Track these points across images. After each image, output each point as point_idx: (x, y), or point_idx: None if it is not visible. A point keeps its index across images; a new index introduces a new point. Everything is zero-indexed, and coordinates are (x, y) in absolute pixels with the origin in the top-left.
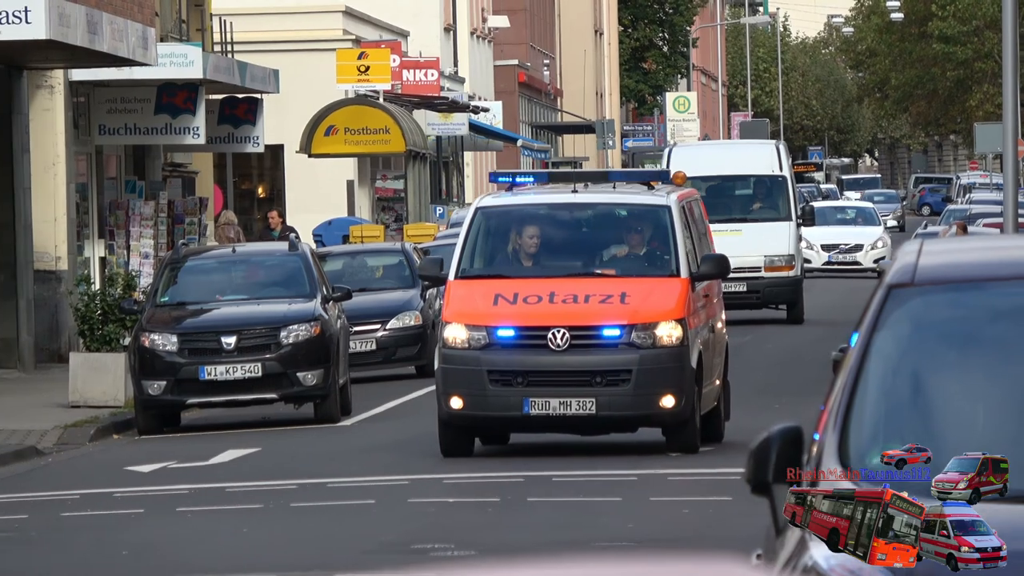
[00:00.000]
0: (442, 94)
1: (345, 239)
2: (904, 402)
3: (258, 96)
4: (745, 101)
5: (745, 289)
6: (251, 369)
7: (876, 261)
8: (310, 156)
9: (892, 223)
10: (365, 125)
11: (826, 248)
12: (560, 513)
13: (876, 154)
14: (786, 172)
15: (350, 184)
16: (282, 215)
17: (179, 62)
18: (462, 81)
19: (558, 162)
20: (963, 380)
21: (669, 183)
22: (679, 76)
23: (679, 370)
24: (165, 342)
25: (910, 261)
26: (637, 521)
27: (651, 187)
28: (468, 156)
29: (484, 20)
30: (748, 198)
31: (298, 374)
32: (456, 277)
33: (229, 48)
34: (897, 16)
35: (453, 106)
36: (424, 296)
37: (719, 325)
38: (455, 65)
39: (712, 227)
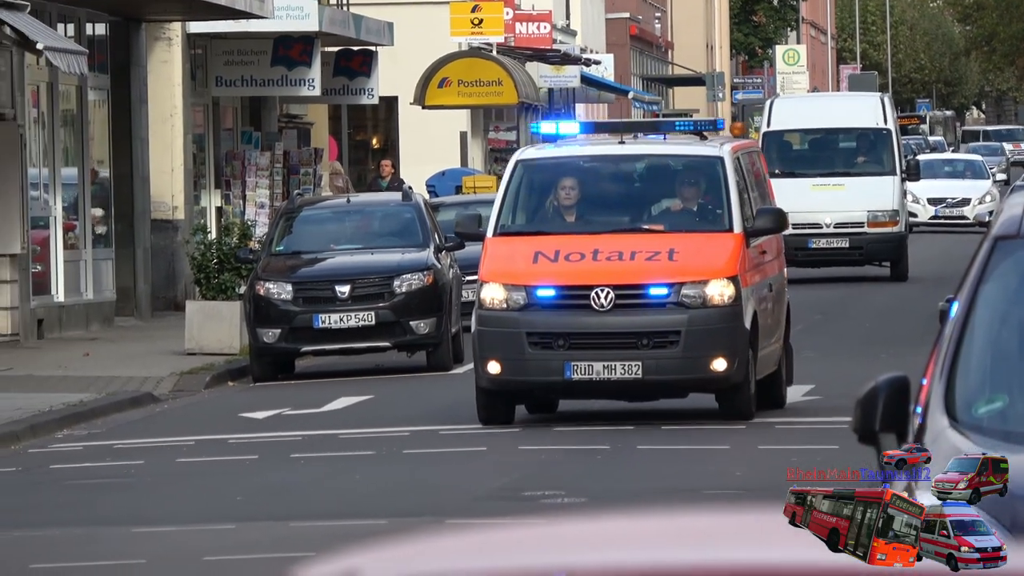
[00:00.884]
0: (554, 47)
1: (458, 189)
2: (1010, 352)
3: (373, 48)
4: (854, 54)
5: (847, 245)
6: (364, 317)
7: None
8: (424, 108)
9: (1001, 176)
10: (478, 77)
11: (932, 202)
12: (668, 461)
13: (983, 107)
14: (891, 125)
15: (463, 135)
16: (394, 166)
17: (295, 15)
18: (574, 34)
19: (669, 114)
20: None
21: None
22: (789, 29)
23: (731, 331)
24: (280, 291)
25: (1016, 213)
26: (745, 469)
27: (704, 137)
28: (580, 108)
29: None
30: (851, 151)
31: (411, 322)
32: (495, 234)
33: (345, 1)
34: None
35: (565, 59)
36: None
37: (779, 284)
38: (567, 18)
39: (814, 181)
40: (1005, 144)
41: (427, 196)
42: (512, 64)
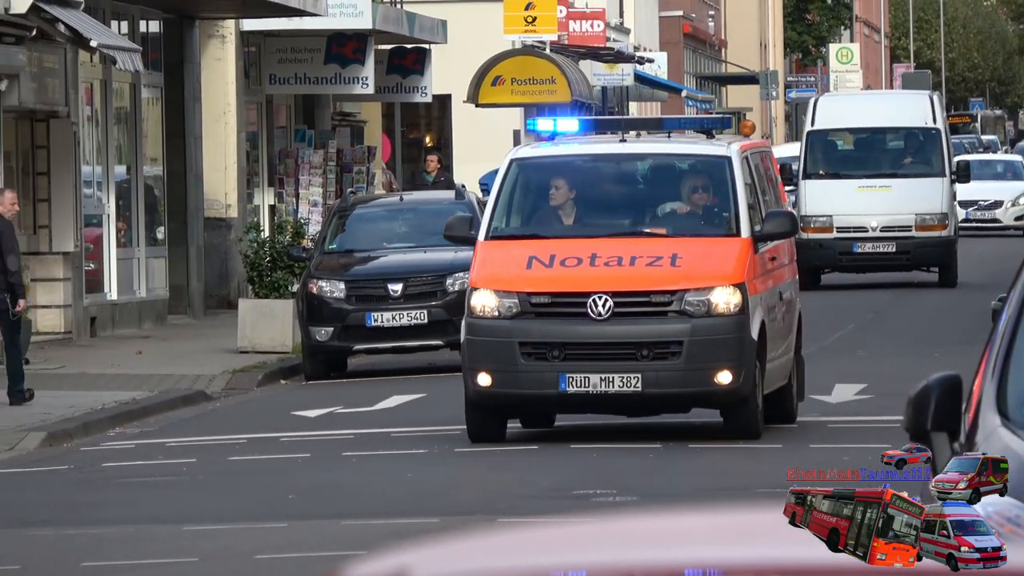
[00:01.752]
0: (608, 45)
1: None
2: None
3: (426, 46)
4: (907, 52)
5: (894, 249)
6: (417, 316)
7: (1018, 219)
8: (477, 106)
9: None
10: (531, 75)
11: (963, 205)
12: (721, 459)
13: None
14: (940, 124)
15: (516, 133)
16: (441, 161)
17: (349, 12)
18: (628, 32)
19: (721, 112)
20: None
21: (731, 131)
22: (842, 27)
23: (737, 342)
24: (333, 289)
25: None
26: (796, 467)
27: (711, 136)
28: (633, 107)
29: None
30: (899, 152)
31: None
32: (487, 237)
33: None
34: None
35: (619, 57)
36: None
37: (790, 292)
38: (621, 16)
39: (860, 183)
40: None
41: (480, 194)
42: (565, 62)
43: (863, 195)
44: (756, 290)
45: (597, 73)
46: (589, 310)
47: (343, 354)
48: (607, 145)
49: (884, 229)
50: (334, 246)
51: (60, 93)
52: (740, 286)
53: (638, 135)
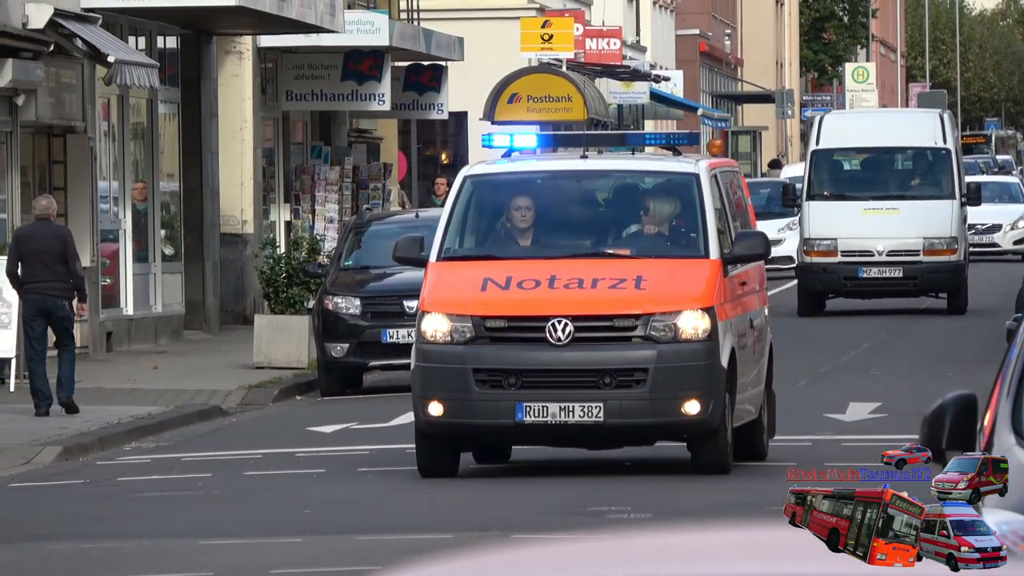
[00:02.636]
0: (624, 63)
1: None
2: None
3: (443, 63)
4: (923, 72)
5: (901, 275)
6: None
7: (1017, 243)
8: (493, 123)
9: None
10: (548, 93)
11: None
12: (733, 476)
13: None
14: (950, 145)
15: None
16: (449, 183)
17: (366, 29)
18: (644, 50)
19: (737, 131)
20: None
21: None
22: (858, 47)
23: (706, 369)
24: (348, 305)
25: None
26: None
27: (677, 153)
28: (649, 124)
29: None
30: (907, 173)
31: None
32: (439, 258)
33: (415, 16)
34: None
35: (635, 75)
36: None
37: (760, 320)
38: (637, 34)
39: (865, 205)
40: None
41: None
42: (582, 80)
43: (869, 218)
44: (726, 315)
45: (613, 91)
46: (548, 335)
47: (359, 370)
48: (567, 161)
49: (891, 253)
50: (350, 262)
51: (77, 108)
52: (709, 310)
53: (600, 152)
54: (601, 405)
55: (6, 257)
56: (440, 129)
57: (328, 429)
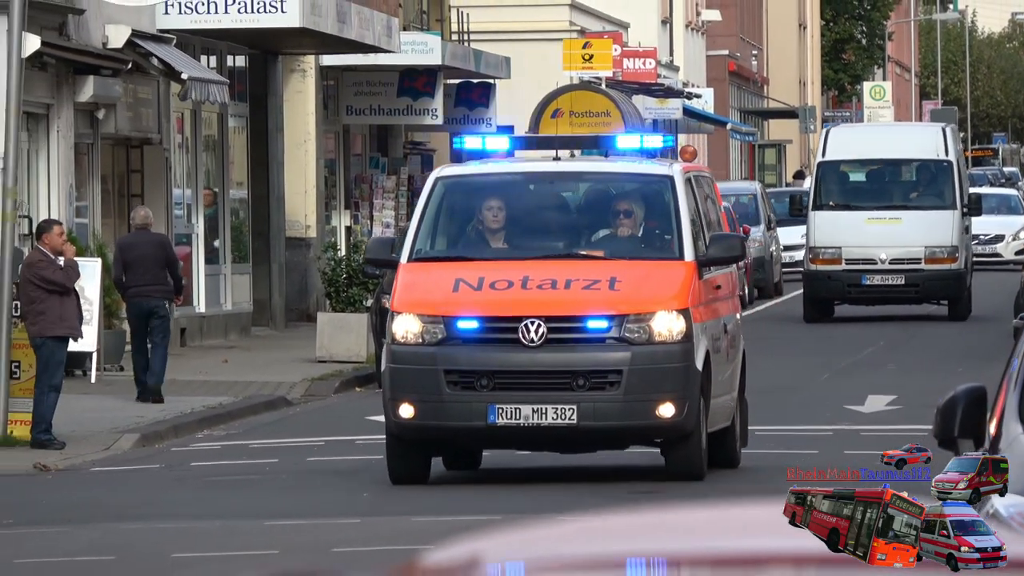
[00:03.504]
0: (658, 81)
1: None
2: None
3: (491, 81)
4: (936, 90)
5: (903, 282)
6: None
7: (1019, 253)
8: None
9: None
10: (588, 108)
11: None
12: (761, 464)
13: None
14: (952, 157)
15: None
16: None
17: (420, 49)
18: (677, 69)
19: (764, 144)
20: None
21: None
22: (875, 67)
23: (681, 371)
24: None
25: None
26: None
27: (651, 156)
28: (682, 138)
29: (698, 14)
30: (910, 184)
31: None
32: (410, 259)
33: (465, 37)
34: None
35: (668, 92)
36: None
37: (734, 326)
38: (671, 54)
39: (869, 214)
40: None
41: None
42: (619, 96)
43: (873, 227)
44: (701, 318)
45: (649, 107)
46: (521, 336)
47: None
48: (539, 164)
49: (893, 261)
50: None
51: (153, 121)
52: (684, 312)
53: (572, 154)
54: (575, 407)
55: (111, 265)
56: None
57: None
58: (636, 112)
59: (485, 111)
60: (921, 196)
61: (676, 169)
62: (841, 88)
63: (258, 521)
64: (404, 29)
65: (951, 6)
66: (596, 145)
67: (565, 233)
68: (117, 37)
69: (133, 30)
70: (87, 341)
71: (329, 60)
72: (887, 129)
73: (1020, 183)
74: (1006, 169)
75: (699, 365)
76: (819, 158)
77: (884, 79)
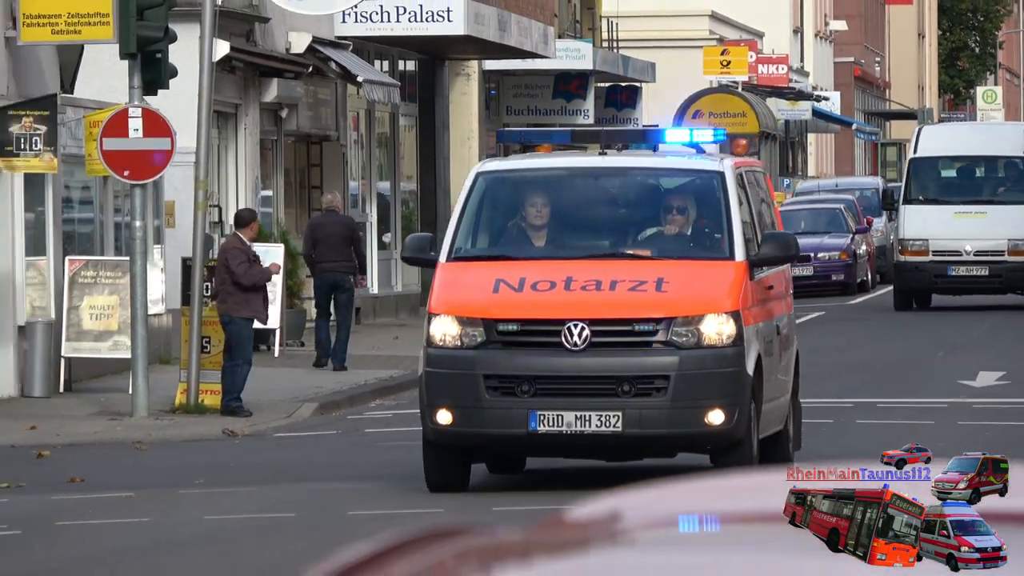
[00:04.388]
0: (790, 85)
1: None
2: None
3: (638, 85)
4: None
5: (987, 273)
6: None
7: None
8: None
9: None
10: (726, 109)
11: None
12: (881, 433)
13: None
14: None
15: None
16: None
17: (573, 55)
18: (807, 74)
19: (885, 143)
20: None
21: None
22: (988, 73)
23: (731, 377)
24: None
25: None
26: (946, 441)
27: (701, 151)
28: (811, 137)
29: (826, 24)
30: (996, 180)
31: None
32: (449, 259)
33: (615, 44)
34: None
35: (799, 95)
36: None
37: (787, 327)
38: (802, 61)
39: (956, 209)
40: None
41: None
42: (754, 99)
43: (959, 220)
44: (752, 320)
45: (781, 109)
46: (563, 340)
47: None
48: (585, 158)
49: (978, 253)
50: None
51: (331, 120)
52: (734, 314)
53: (620, 149)
54: (620, 414)
55: (301, 242)
56: None
57: None
58: (770, 113)
59: (632, 112)
60: (1007, 192)
61: (727, 164)
62: (956, 92)
63: (424, 484)
64: (559, 37)
65: None
66: (644, 139)
67: (610, 231)
68: (299, 43)
69: (313, 37)
70: (271, 320)
71: (491, 65)
72: (975, 128)
73: None
74: None
75: (750, 370)
76: (911, 155)
77: (995, 84)
